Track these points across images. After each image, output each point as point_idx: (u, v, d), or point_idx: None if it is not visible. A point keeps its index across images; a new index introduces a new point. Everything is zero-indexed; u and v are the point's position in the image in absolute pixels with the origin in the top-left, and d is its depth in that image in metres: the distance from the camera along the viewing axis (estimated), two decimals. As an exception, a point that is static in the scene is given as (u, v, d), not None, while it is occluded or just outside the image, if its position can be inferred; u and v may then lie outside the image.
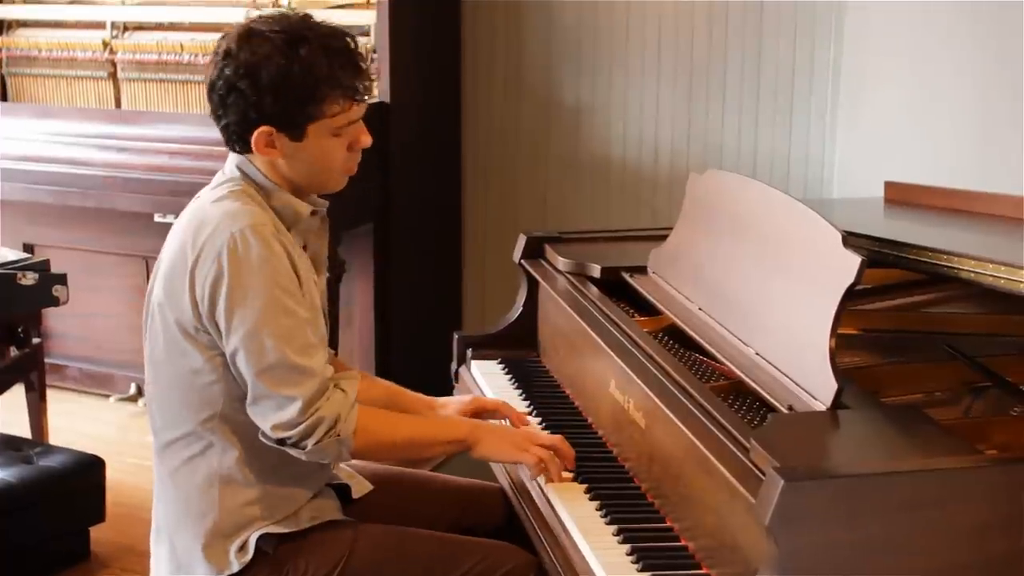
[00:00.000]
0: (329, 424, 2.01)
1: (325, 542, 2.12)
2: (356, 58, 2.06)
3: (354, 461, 2.28)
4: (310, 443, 2.00)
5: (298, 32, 2.02)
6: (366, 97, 2.09)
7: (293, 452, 2.03)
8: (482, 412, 2.39)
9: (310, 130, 2.04)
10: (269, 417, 2.01)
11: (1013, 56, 3.42)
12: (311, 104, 2.01)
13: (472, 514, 2.38)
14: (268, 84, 1.99)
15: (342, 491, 2.28)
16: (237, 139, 2.07)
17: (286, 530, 2.11)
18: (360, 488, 2.31)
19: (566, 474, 2.15)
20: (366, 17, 4.08)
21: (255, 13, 2.09)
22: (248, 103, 2.01)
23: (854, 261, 1.85)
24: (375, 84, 2.15)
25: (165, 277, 2.07)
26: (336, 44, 2.03)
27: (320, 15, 2.11)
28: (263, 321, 1.97)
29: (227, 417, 2.07)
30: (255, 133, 2.03)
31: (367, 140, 2.12)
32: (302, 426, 1.99)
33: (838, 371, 1.81)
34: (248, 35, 2.02)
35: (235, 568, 2.08)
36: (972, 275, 2.12)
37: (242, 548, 2.08)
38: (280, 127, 2.03)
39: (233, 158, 2.13)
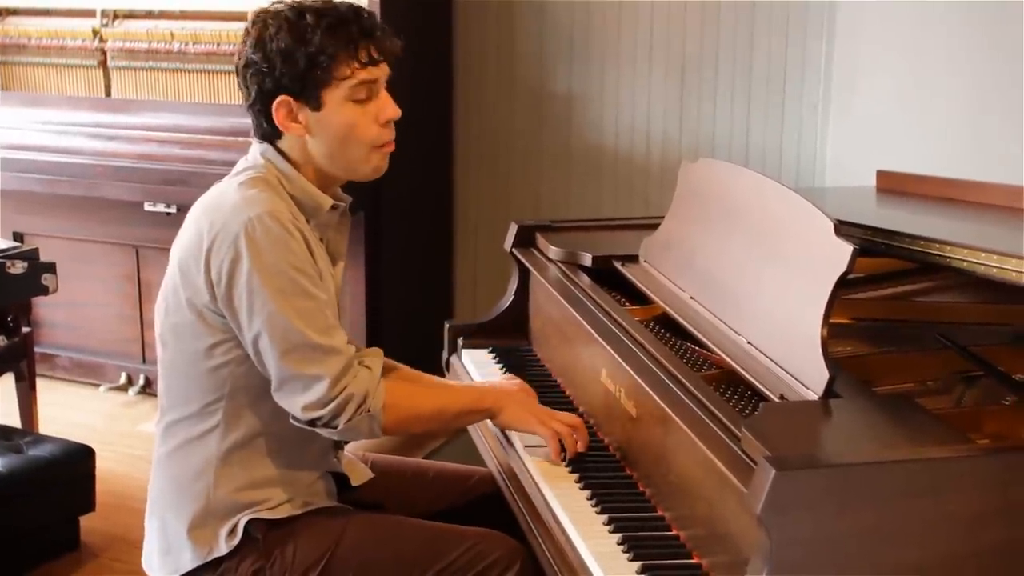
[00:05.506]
0: (359, 401, 2.03)
1: (314, 528, 2.12)
2: (362, 23, 2.08)
3: (352, 447, 2.29)
4: (341, 421, 2.02)
5: (306, 5, 2.07)
6: (376, 62, 2.08)
7: (324, 433, 2.05)
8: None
9: (326, 97, 2.06)
10: (298, 399, 2.02)
11: (1007, 46, 3.41)
12: (318, 68, 2.04)
13: (468, 500, 2.39)
14: (277, 53, 2.04)
15: (339, 479, 2.28)
16: (263, 117, 2.10)
17: (278, 516, 2.12)
18: (359, 476, 2.31)
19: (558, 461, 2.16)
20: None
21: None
22: (262, 75, 2.06)
23: (846, 250, 1.84)
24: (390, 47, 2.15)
25: (181, 259, 2.08)
26: (342, 11, 2.07)
27: None
28: (284, 303, 1.99)
29: (232, 402, 2.08)
30: (274, 105, 2.07)
31: (392, 111, 2.12)
32: (333, 404, 2.01)
33: (830, 360, 1.81)
34: (262, 14, 2.09)
35: (223, 551, 2.09)
36: (965, 264, 2.12)
37: (232, 532, 2.09)
38: (296, 95, 2.06)
39: (256, 146, 2.15)
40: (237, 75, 2.13)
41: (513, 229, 2.87)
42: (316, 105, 2.07)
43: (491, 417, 2.23)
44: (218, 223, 2.01)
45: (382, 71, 2.11)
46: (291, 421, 2.05)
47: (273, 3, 2.11)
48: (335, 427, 2.03)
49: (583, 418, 2.35)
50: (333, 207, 2.16)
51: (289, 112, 2.07)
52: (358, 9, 2.10)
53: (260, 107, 2.10)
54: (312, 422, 2.03)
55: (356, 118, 2.08)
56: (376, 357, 2.13)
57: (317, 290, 2.04)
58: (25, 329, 3.64)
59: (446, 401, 2.22)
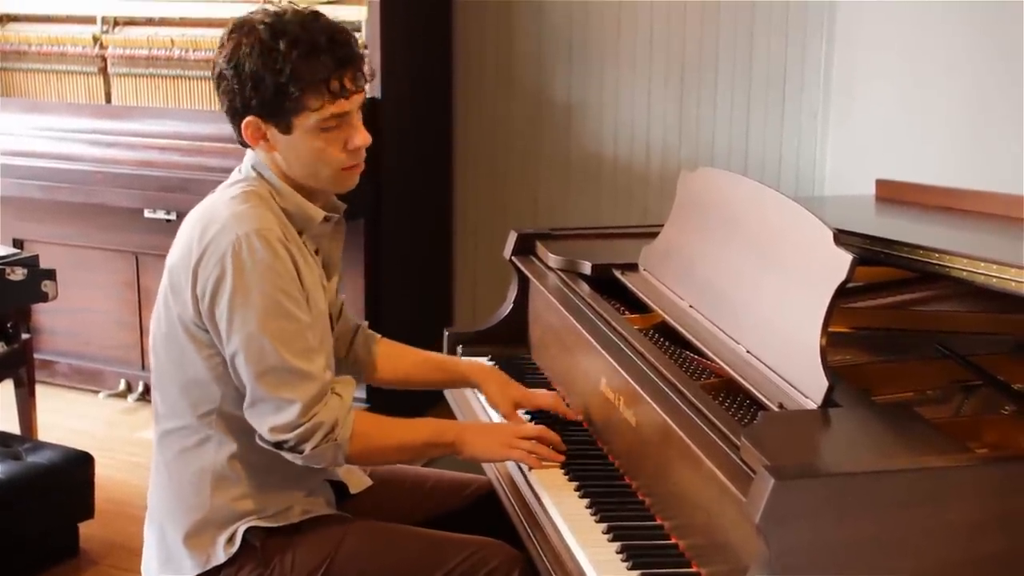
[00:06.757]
0: (327, 429, 2.02)
1: (314, 536, 2.12)
2: (337, 52, 2.01)
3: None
4: (307, 447, 2.01)
5: (284, 25, 2.00)
6: (348, 94, 2.03)
7: (289, 456, 2.03)
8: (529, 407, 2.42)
9: (296, 123, 2.02)
10: (267, 420, 2.01)
11: (1007, 52, 3.42)
12: (289, 96, 1.99)
13: (466, 508, 2.39)
14: (248, 74, 1.99)
15: (338, 487, 2.28)
16: (236, 130, 2.08)
17: (276, 524, 2.11)
18: (358, 484, 2.32)
19: (556, 470, 2.16)
20: (357, 13, 4.06)
21: (268, 7, 2.07)
22: (233, 93, 2.03)
23: (845, 259, 1.84)
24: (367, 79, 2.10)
25: (171, 270, 2.07)
26: (318, 39, 1.99)
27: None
28: (263, 324, 1.98)
29: (225, 413, 2.08)
30: (243, 125, 2.04)
31: (359, 140, 2.07)
32: (301, 429, 2.00)
33: (829, 369, 1.81)
34: (240, 25, 2.03)
35: (221, 559, 2.08)
36: (964, 273, 2.11)
37: (230, 540, 2.09)
38: (266, 117, 2.02)
39: (250, 156, 2.13)
40: (214, 82, 2.08)
41: (513, 237, 2.87)
42: (285, 129, 2.03)
43: (455, 452, 2.19)
44: (208, 238, 2.00)
45: (353, 102, 2.05)
46: (257, 440, 2.04)
47: (254, 11, 2.04)
48: (300, 452, 2.02)
49: (581, 426, 2.36)
50: (326, 219, 2.15)
51: (258, 130, 2.04)
52: (334, 35, 2.02)
53: (230, 120, 2.08)
54: (278, 444, 2.02)
55: (324, 145, 2.04)
56: (348, 385, 2.12)
57: (300, 312, 2.02)
58: (24, 336, 3.65)
59: (411, 435, 2.19)
